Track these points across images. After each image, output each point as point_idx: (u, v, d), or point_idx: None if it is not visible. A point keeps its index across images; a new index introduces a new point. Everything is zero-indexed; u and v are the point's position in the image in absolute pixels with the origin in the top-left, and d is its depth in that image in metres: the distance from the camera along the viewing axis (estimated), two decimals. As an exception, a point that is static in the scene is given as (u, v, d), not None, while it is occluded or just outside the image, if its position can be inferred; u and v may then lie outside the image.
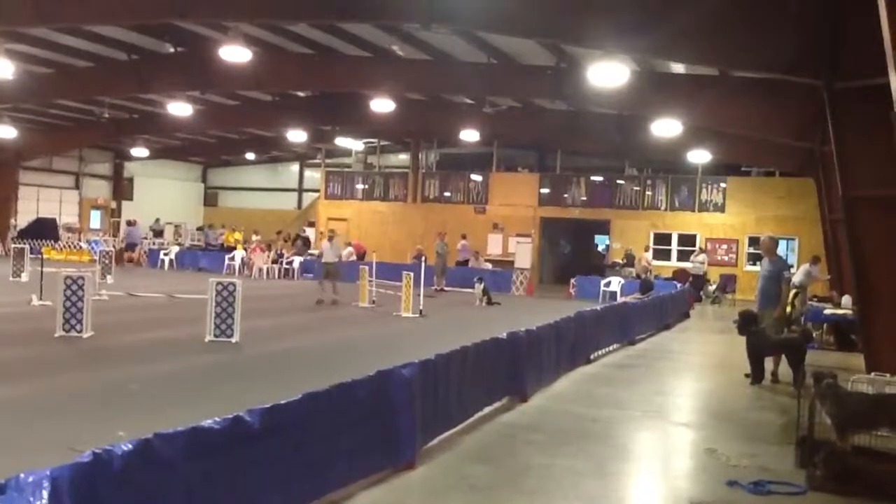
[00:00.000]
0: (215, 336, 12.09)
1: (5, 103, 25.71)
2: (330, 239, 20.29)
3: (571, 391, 10.05)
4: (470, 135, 26.92)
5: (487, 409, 8.17)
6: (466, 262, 28.54)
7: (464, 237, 29.74)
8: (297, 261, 28.62)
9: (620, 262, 28.48)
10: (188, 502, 4.22)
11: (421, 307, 17.53)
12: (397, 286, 18.94)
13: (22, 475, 3.38)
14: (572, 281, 26.17)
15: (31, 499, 3.35)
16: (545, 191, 32.55)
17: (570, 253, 35.26)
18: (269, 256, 28.73)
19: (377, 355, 11.75)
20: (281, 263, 28.74)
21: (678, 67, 17.38)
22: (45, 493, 3.39)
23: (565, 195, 32.33)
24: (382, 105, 22.14)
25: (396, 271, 21.04)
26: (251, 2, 14.76)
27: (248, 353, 11.59)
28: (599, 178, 32.26)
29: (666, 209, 30.71)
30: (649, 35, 11.51)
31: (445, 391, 7.02)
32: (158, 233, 36.90)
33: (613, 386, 10.60)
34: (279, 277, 27.89)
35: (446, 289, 24.22)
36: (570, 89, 18.52)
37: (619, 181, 31.76)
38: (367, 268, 20.14)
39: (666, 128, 19.87)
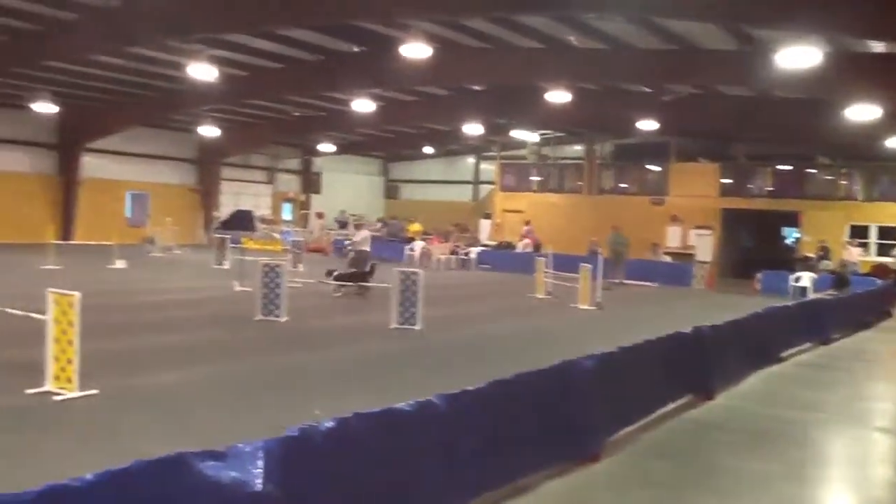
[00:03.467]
0: (399, 323, 12.56)
1: (209, 105, 27.94)
2: (359, 227, 19.41)
3: (760, 391, 9.61)
4: (647, 124, 26.20)
5: (671, 406, 7.99)
6: (537, 248, 28.12)
7: (528, 223, 29.89)
8: (473, 251, 29.09)
9: (813, 255, 26.74)
10: (380, 479, 4.45)
11: (598, 299, 17.33)
12: (573, 278, 18.84)
13: (240, 445, 3.70)
14: (757, 275, 24.88)
15: (249, 466, 3.67)
16: (727, 181, 31.13)
17: (753, 246, 33.51)
18: (447, 247, 29.39)
19: (555, 346, 11.77)
20: (458, 254, 29.32)
21: (878, 47, 16.06)
22: (259, 462, 3.70)
23: (749, 185, 30.79)
24: (557, 96, 22.00)
25: (572, 263, 20.92)
26: (430, 0, 15.12)
27: (431, 341, 11.95)
28: (787, 167, 30.44)
29: (863, 199, 28.49)
30: (850, 11, 10.72)
31: (628, 385, 6.94)
32: (343, 224, 38.65)
33: (806, 387, 10.04)
34: (456, 268, 28.47)
35: (625, 282, 23.72)
36: (755, 74, 17.61)
37: (808, 170, 29.81)
38: (543, 259, 20.16)
39: (862, 112, 18.43)
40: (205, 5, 16.39)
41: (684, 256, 28.36)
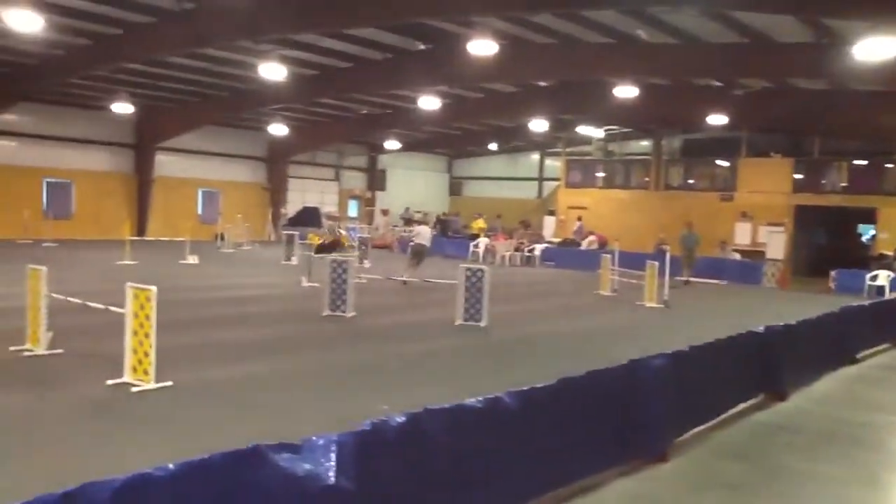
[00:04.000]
0: (464, 320, 12.62)
1: (278, 104, 28.47)
2: (418, 223, 20.16)
3: (835, 392, 9.36)
4: (717, 119, 25.68)
5: (741, 406, 7.85)
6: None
7: (579, 219, 30.42)
8: (538, 248, 28.98)
9: (890, 253, 25.83)
10: (449, 474, 4.50)
11: (665, 297, 17.09)
12: (639, 275, 18.62)
13: (314, 437, 3.79)
14: (832, 273, 24.15)
15: (322, 459, 3.76)
16: (799, 176, 30.27)
17: (827, 243, 32.51)
18: (511, 244, 29.34)
19: (621, 344, 11.69)
20: (522, 251, 29.24)
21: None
22: (332, 455, 3.79)
23: (823, 181, 29.84)
24: (625, 91, 21.76)
25: (638, 260, 20.66)
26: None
27: (496, 337, 11.98)
28: (863, 162, 29.44)
29: (946, 196, 27.38)
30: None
31: (697, 384, 6.84)
32: (408, 221, 38.94)
33: (882, 389, 9.74)
34: (521, 264, 28.41)
35: (692, 280, 23.31)
36: (831, 67, 17.12)
37: (887, 165, 28.78)
38: (609, 256, 19.97)
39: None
40: (276, 7, 16.69)
41: (754, 254, 27.71)
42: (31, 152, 29.50)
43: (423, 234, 19.83)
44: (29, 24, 16.12)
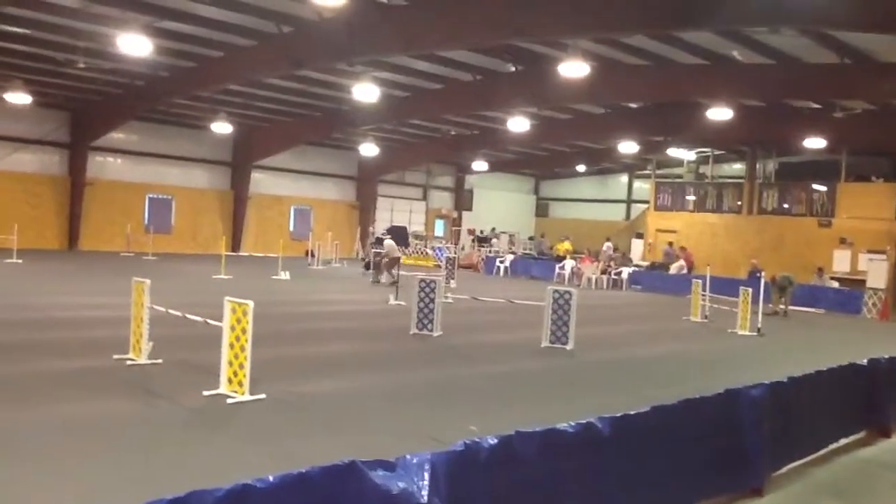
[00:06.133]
0: (551, 342, 12.52)
1: (370, 124, 29.05)
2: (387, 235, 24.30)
3: (944, 430, 8.86)
4: (814, 142, 24.88)
5: (843, 441, 7.53)
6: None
7: (608, 239, 30.79)
8: (625, 271, 28.56)
9: None
10: (539, 498, 4.47)
11: (759, 325, 16.57)
12: (730, 301, 18.10)
13: (408, 456, 3.83)
14: (939, 305, 22.94)
15: (415, 478, 3.79)
16: (904, 202, 28.95)
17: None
18: (598, 266, 29.00)
19: (713, 372, 11.40)
20: (609, 273, 28.87)
21: None
22: (425, 475, 3.81)
23: (930, 207, 28.48)
24: (719, 113, 21.34)
25: (730, 286, 20.09)
26: (592, 18, 15.05)
27: (582, 360, 11.84)
28: (975, 188, 27.98)
29: None
30: None
31: (796, 417, 6.60)
32: (493, 241, 39.04)
33: None
34: (607, 288, 28.04)
35: (789, 308, 22.39)
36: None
37: None
38: (699, 281, 19.50)
39: None
40: (370, 30, 17.06)
41: (854, 282, 26.59)
42: (135, 169, 30.95)
43: (392, 247, 23.51)
44: (138, 47, 16.99)
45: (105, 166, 30.27)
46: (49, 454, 6.00)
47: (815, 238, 29.51)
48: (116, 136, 29.75)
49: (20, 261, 22.01)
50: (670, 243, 31.32)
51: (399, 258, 22.86)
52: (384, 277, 22.63)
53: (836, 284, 26.15)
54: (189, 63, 21.90)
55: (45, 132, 28.39)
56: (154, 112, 28.20)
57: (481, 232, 40.22)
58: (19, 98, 23.32)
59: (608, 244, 31.66)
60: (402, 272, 17.83)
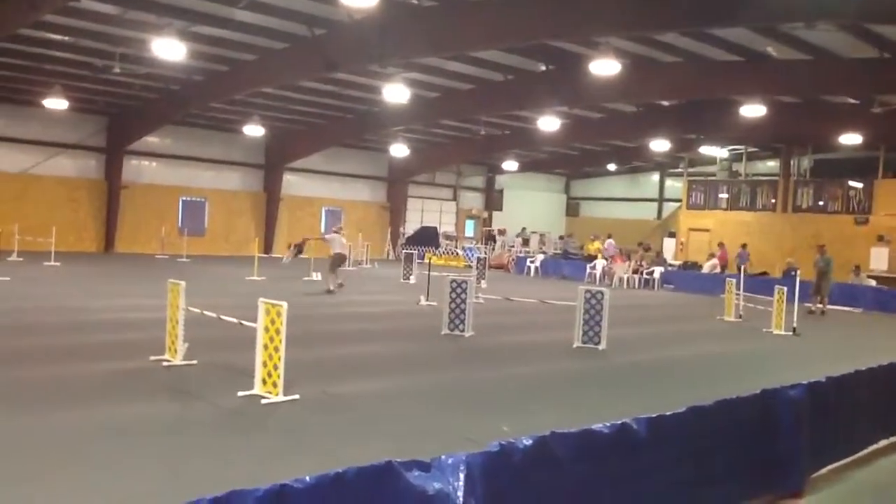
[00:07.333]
0: (583, 342, 12.46)
1: (400, 125, 29.12)
2: (338, 231, 20.79)
3: None
4: (851, 138, 24.47)
5: (883, 443, 7.40)
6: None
7: (609, 236, 30.73)
8: (657, 271, 28.33)
9: None
10: (575, 500, 4.45)
11: (794, 325, 16.33)
12: (765, 301, 17.87)
13: (443, 457, 3.84)
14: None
15: (451, 478, 3.79)
16: (944, 199, 28.39)
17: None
18: (629, 266, 28.79)
19: (748, 372, 11.27)
20: (641, 273, 28.65)
21: None
22: (461, 475, 3.81)
23: (971, 204, 27.91)
24: (753, 110, 21.08)
25: (764, 285, 19.81)
26: (625, 16, 14.95)
27: (615, 361, 11.76)
28: None
29: None
30: None
31: (835, 418, 6.50)
32: (525, 241, 38.91)
33: None
34: (639, 287, 27.83)
35: (826, 307, 22.04)
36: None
37: None
38: (733, 280, 19.27)
39: None
40: (402, 32, 17.12)
41: (891, 281, 26.12)
42: (170, 172, 31.35)
43: (338, 242, 20.16)
44: (173, 52, 17.21)
45: (140, 170, 30.70)
46: (89, 455, 6.10)
47: (851, 236, 29.02)
48: (151, 140, 30.16)
49: (58, 263, 22.38)
50: (721, 244, 30.16)
51: (345, 256, 20.93)
52: (331, 282, 19.62)
53: (873, 283, 25.71)
54: (222, 67, 22.13)
55: (82, 137, 28.88)
56: (188, 115, 28.53)
57: (522, 231, 40.03)
58: (58, 104, 23.73)
59: (609, 241, 31.19)
60: (432, 273, 17.80)
